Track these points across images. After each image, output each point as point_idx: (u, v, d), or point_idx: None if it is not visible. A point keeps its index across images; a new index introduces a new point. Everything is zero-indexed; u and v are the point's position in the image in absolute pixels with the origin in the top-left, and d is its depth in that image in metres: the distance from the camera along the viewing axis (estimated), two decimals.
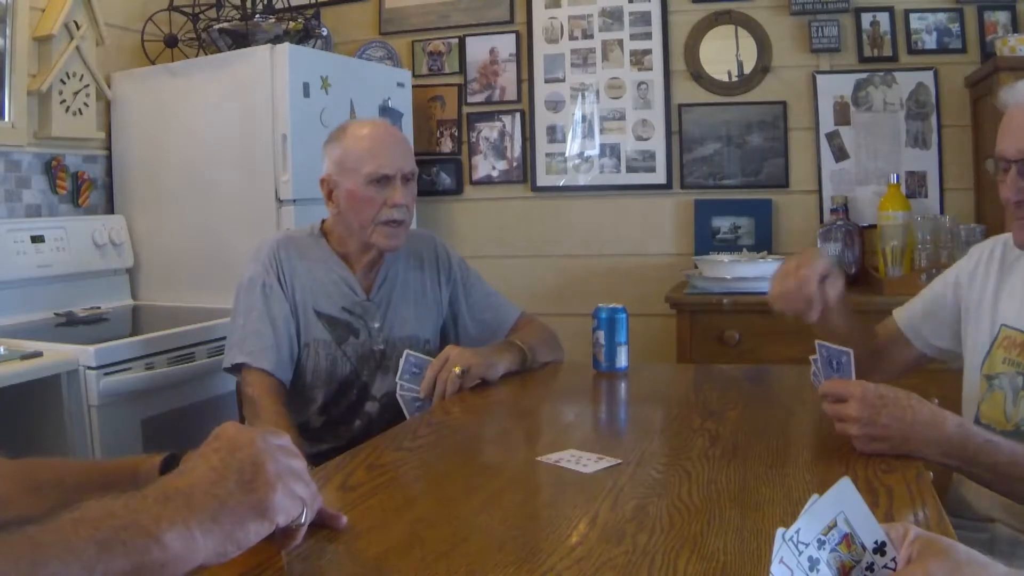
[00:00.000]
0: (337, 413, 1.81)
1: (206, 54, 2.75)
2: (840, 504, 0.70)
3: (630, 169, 3.04)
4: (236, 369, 1.73)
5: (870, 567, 0.70)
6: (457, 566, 0.86)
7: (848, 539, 0.70)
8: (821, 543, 0.68)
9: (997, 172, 1.34)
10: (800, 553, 0.67)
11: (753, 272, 2.56)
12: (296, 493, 0.78)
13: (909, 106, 2.79)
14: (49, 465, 0.95)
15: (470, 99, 3.19)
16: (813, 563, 0.67)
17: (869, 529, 0.71)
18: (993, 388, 1.38)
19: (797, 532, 0.67)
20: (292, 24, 2.70)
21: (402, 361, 1.68)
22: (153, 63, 2.81)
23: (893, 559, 0.71)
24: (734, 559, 0.86)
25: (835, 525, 0.69)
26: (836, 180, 2.86)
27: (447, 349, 1.68)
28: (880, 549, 0.71)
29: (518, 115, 3.14)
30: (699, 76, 2.96)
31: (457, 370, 1.62)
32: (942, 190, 2.78)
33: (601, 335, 1.76)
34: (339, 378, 1.79)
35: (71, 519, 0.66)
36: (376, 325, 1.82)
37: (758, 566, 0.84)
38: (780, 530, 0.67)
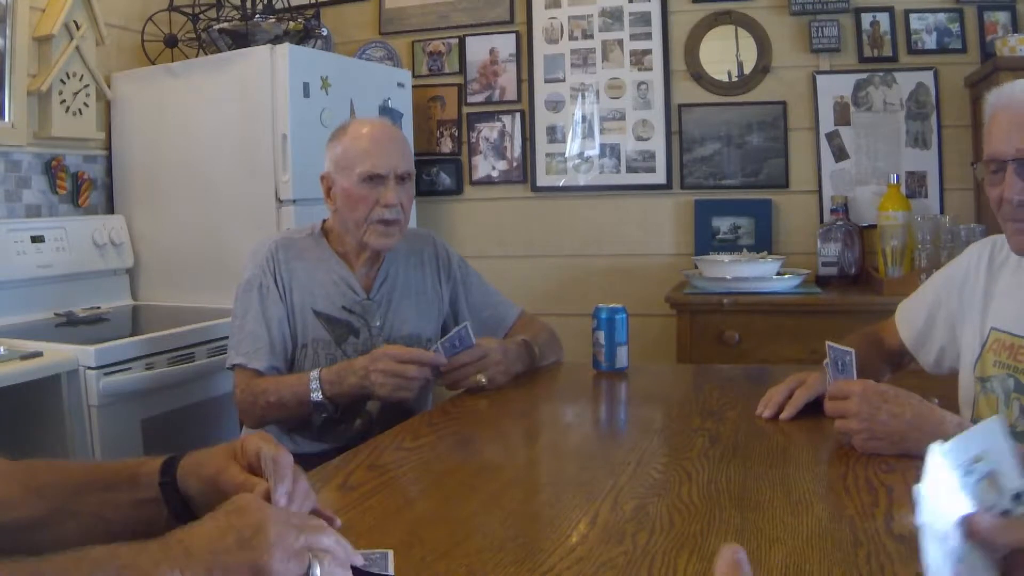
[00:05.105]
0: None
1: (206, 54, 2.75)
2: (989, 440, 0.69)
3: (630, 169, 3.04)
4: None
5: (1005, 513, 0.69)
6: (457, 566, 0.86)
7: (992, 477, 0.68)
8: (968, 471, 0.67)
9: (986, 175, 1.31)
10: (952, 470, 0.66)
11: (753, 272, 2.56)
12: (297, 550, 0.77)
13: (909, 106, 2.79)
14: (50, 466, 0.95)
15: (470, 99, 3.19)
16: (963, 483, 0.67)
17: (1013, 475, 0.69)
18: (986, 391, 1.38)
19: (949, 451, 0.66)
20: (292, 24, 2.70)
21: (457, 328, 1.70)
22: (153, 63, 2.81)
23: None
24: None
25: (982, 459, 0.68)
26: (836, 180, 2.86)
27: (488, 343, 1.70)
28: (1019, 497, 0.70)
29: (518, 115, 3.14)
30: (699, 76, 2.96)
31: (483, 380, 1.65)
32: (942, 190, 2.78)
33: (601, 335, 1.76)
34: None
35: (75, 556, 0.69)
36: (377, 324, 1.82)
37: (758, 566, 0.84)
38: (933, 444, 0.66)
